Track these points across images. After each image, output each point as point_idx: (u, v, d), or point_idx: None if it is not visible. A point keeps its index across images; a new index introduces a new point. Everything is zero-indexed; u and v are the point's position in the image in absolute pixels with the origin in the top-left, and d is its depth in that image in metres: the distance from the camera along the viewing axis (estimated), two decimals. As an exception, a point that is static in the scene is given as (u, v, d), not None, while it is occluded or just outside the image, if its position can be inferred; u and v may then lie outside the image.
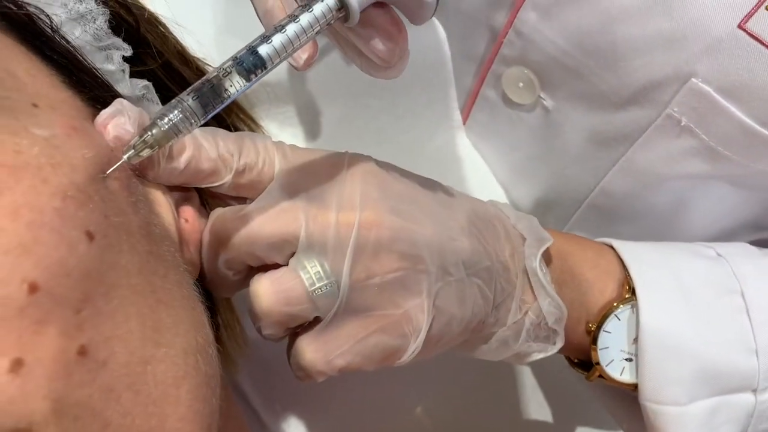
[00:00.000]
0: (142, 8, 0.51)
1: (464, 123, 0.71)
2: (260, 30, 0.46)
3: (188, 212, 0.45)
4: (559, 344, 0.53)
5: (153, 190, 0.43)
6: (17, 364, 0.31)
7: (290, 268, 0.45)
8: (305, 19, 0.41)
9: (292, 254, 0.45)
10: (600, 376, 0.56)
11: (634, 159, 0.60)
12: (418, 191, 0.49)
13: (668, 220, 0.64)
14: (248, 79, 0.40)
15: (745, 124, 0.54)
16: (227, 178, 0.45)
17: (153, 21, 0.51)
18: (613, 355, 0.55)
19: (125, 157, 0.39)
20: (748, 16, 0.51)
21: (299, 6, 0.41)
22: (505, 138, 0.68)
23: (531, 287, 0.52)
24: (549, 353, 0.53)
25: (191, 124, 0.39)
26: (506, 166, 0.70)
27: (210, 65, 0.54)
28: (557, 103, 0.62)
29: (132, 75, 0.48)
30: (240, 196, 0.47)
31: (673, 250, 0.58)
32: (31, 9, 0.42)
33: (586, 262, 0.55)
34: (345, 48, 0.45)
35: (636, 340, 0.54)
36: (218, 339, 0.51)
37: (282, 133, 0.65)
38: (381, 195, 0.46)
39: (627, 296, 0.55)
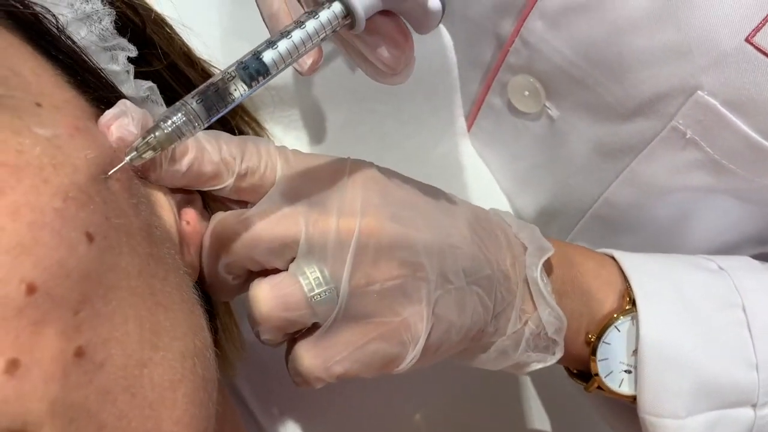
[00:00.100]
0: (149, 9, 0.51)
1: (469, 130, 0.70)
2: (266, 33, 0.46)
3: (190, 215, 0.45)
4: (559, 354, 0.53)
5: (155, 192, 0.43)
6: (13, 365, 0.31)
7: (290, 273, 0.45)
8: (311, 25, 0.41)
9: (293, 259, 0.45)
10: (599, 387, 0.55)
11: (638, 170, 0.60)
12: (419, 198, 0.49)
13: (671, 232, 0.64)
14: (252, 84, 0.40)
15: (750, 138, 0.54)
16: (229, 181, 0.45)
17: (159, 22, 0.51)
18: (612, 367, 0.55)
19: (127, 158, 0.39)
20: (756, 29, 0.51)
21: (305, 12, 0.41)
22: (510, 146, 0.68)
23: (531, 297, 0.52)
24: (548, 363, 0.53)
25: (194, 127, 0.39)
26: (510, 174, 0.70)
27: (216, 67, 0.54)
28: (562, 112, 0.62)
29: (137, 76, 0.48)
30: (242, 199, 0.47)
31: (674, 262, 0.57)
32: (38, 8, 0.42)
33: (587, 273, 0.55)
34: (351, 53, 0.45)
35: (636, 351, 0.54)
36: (216, 342, 0.51)
37: (286, 137, 0.65)
38: (382, 201, 0.46)
39: (627, 307, 0.54)
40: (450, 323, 0.48)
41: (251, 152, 0.46)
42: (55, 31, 0.42)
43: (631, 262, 0.56)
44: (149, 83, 0.47)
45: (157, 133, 0.39)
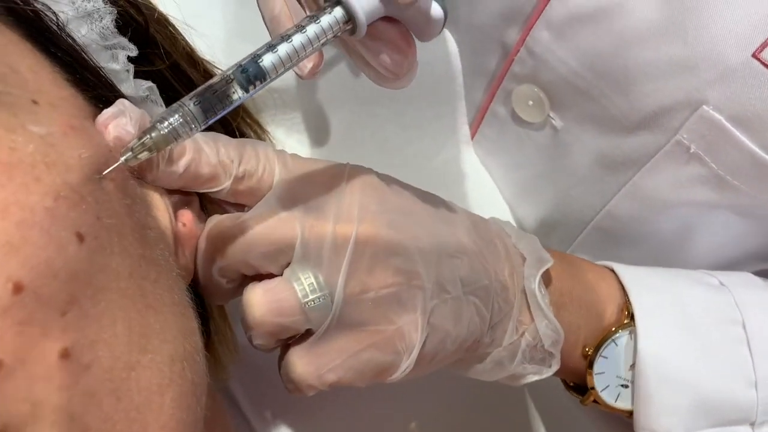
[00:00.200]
0: (153, 8, 0.50)
1: (472, 138, 0.70)
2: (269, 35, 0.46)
3: (186, 216, 0.45)
4: (555, 367, 0.53)
5: (151, 193, 0.43)
6: None
7: (284, 278, 0.44)
8: (312, 30, 0.41)
9: (288, 265, 0.45)
10: (595, 401, 0.55)
11: (641, 184, 0.59)
12: (418, 205, 0.48)
13: (673, 247, 0.64)
14: (250, 88, 0.40)
15: (755, 154, 0.54)
16: (226, 184, 0.45)
17: (162, 21, 0.51)
18: (608, 381, 0.55)
19: (122, 159, 0.38)
20: (763, 45, 0.51)
21: (307, 16, 0.41)
22: (513, 155, 0.68)
23: (529, 308, 0.51)
24: (544, 376, 0.53)
25: (191, 129, 0.39)
26: (512, 183, 0.70)
27: (218, 68, 0.54)
28: (566, 123, 0.62)
29: (139, 75, 0.48)
30: (239, 203, 0.47)
31: (674, 276, 0.57)
32: (38, 5, 0.42)
33: (586, 285, 0.55)
34: (354, 58, 0.45)
35: (633, 366, 0.54)
36: (209, 345, 0.51)
37: (288, 139, 0.65)
38: (380, 208, 0.46)
39: (626, 321, 0.54)
40: (445, 333, 0.48)
41: (249, 155, 0.46)
42: (55, 28, 0.42)
43: (631, 275, 0.56)
44: (149, 83, 0.46)
45: (153, 134, 0.39)
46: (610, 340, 0.54)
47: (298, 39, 0.41)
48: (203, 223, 0.46)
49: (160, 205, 0.43)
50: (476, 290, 0.49)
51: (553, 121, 0.62)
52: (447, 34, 0.68)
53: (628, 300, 0.54)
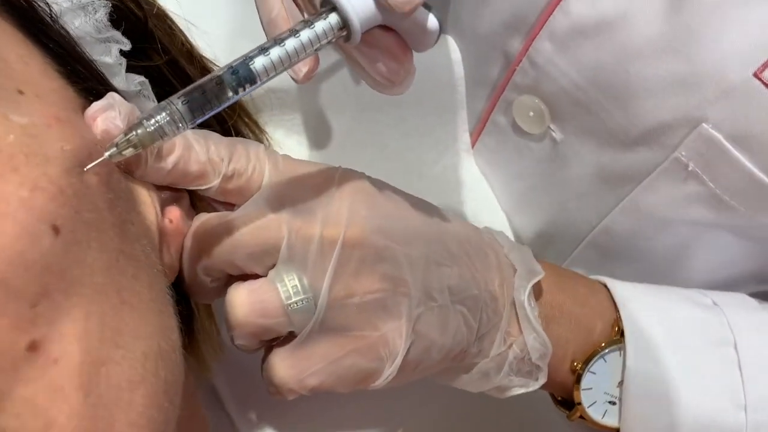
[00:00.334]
0: (152, 3, 0.50)
1: (473, 147, 0.70)
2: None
3: (173, 213, 0.45)
4: (542, 380, 0.52)
5: (138, 188, 0.43)
6: None
7: (268, 279, 0.44)
8: (305, 35, 0.40)
9: (273, 266, 0.45)
10: (581, 416, 0.55)
11: (638, 200, 0.59)
12: (409, 212, 0.48)
13: (669, 265, 0.63)
14: (240, 90, 0.40)
15: (753, 175, 0.53)
16: (215, 182, 0.44)
17: (162, 17, 0.51)
18: (596, 397, 0.54)
19: (107, 154, 0.38)
20: (765, 65, 0.51)
21: (301, 20, 0.41)
22: (512, 166, 0.67)
23: (518, 320, 0.51)
24: (530, 389, 0.53)
25: (178, 128, 0.39)
26: (511, 194, 0.69)
27: (217, 66, 0.54)
28: (566, 135, 0.61)
29: (137, 70, 0.48)
30: (228, 201, 0.46)
31: (667, 294, 0.56)
32: None
33: (577, 299, 0.54)
34: (351, 64, 0.45)
35: (621, 383, 0.53)
36: (193, 344, 0.50)
37: (288, 140, 0.64)
38: (369, 213, 0.46)
39: (615, 338, 0.54)
40: (431, 341, 0.47)
41: (240, 154, 0.45)
42: (49, 19, 0.42)
43: (623, 291, 0.55)
44: (141, 78, 0.46)
45: (139, 131, 0.38)
46: (599, 356, 0.53)
47: (291, 43, 0.40)
48: (191, 221, 0.46)
49: (146, 201, 0.43)
50: (465, 299, 0.48)
51: (553, 133, 0.62)
52: (451, 41, 0.68)
53: (619, 316, 0.54)
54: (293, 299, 0.44)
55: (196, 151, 0.44)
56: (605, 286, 0.56)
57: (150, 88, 0.47)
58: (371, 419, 0.62)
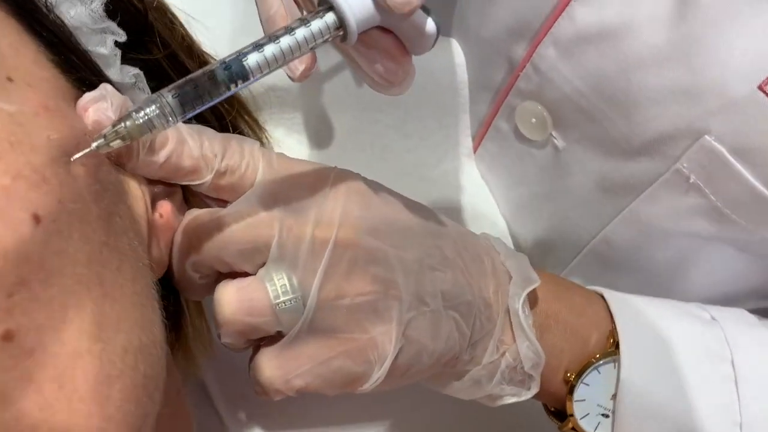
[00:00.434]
0: None
1: (475, 152, 0.69)
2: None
3: (164, 207, 0.44)
4: (534, 390, 0.52)
5: (129, 181, 0.42)
6: None
7: (257, 278, 0.44)
8: (301, 33, 0.40)
9: (263, 264, 0.44)
10: (573, 428, 0.54)
11: (638, 211, 0.58)
12: (404, 215, 0.48)
13: (668, 277, 0.62)
14: (232, 85, 0.39)
15: (755, 188, 0.52)
16: (207, 177, 0.44)
17: (162, 9, 0.51)
18: (588, 409, 0.53)
19: (94, 145, 0.38)
20: (770, 78, 0.50)
21: (298, 18, 0.41)
22: (513, 172, 0.67)
23: (512, 328, 0.50)
24: (522, 398, 0.52)
25: (168, 121, 0.39)
26: (511, 200, 0.69)
27: (215, 59, 0.54)
28: (568, 143, 0.61)
29: (135, 62, 0.47)
30: (220, 198, 0.46)
31: (665, 307, 0.56)
32: None
33: (573, 309, 0.54)
34: (350, 64, 0.44)
35: (615, 396, 0.53)
36: (182, 340, 0.50)
37: (288, 139, 0.64)
38: (363, 214, 0.45)
39: (611, 349, 0.53)
40: (422, 346, 0.47)
41: (233, 150, 0.45)
42: (44, 8, 0.41)
43: (620, 303, 0.55)
44: (136, 69, 0.46)
45: (127, 123, 0.38)
46: (593, 368, 0.53)
47: (286, 41, 0.40)
48: (182, 216, 0.46)
49: (137, 194, 0.42)
50: (458, 305, 0.48)
51: (555, 141, 0.62)
52: (455, 44, 0.67)
53: (615, 328, 0.53)
54: (282, 298, 0.43)
55: (189, 146, 0.43)
56: (602, 296, 0.55)
57: (145, 81, 0.47)
58: (362, 422, 0.61)
